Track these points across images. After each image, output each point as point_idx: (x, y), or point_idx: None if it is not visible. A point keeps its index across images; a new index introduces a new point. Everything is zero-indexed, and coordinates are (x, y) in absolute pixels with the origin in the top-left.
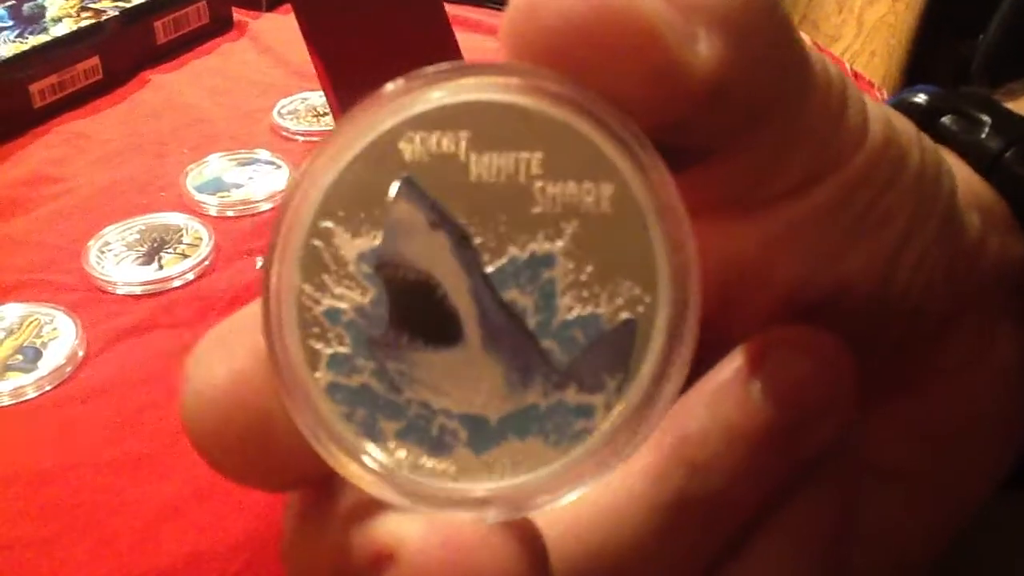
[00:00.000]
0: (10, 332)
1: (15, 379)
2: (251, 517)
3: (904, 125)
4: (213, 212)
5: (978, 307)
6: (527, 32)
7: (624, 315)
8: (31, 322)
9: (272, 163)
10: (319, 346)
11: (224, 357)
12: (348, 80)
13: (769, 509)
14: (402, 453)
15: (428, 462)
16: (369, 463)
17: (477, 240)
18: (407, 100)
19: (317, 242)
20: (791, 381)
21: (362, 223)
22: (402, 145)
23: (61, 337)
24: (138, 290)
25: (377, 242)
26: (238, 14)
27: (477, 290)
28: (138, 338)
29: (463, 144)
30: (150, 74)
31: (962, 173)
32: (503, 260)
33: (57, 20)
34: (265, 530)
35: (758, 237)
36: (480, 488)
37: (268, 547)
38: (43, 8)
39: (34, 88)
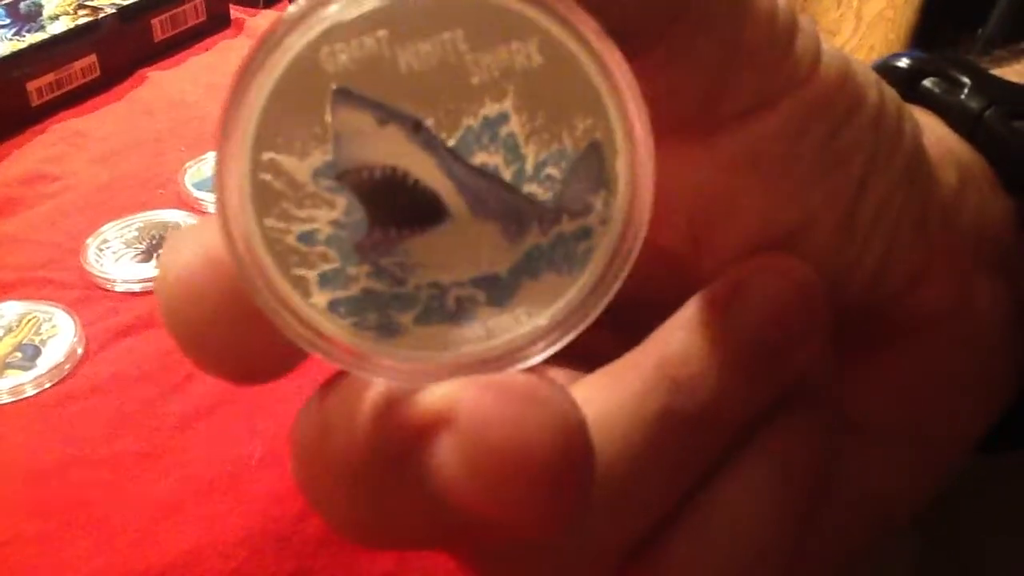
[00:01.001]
0: (9, 330)
1: (14, 377)
2: (250, 514)
3: (863, 68)
4: (211, 209)
5: (953, 261)
6: None
7: (585, 141)
8: (30, 320)
9: None
10: (304, 272)
11: (197, 241)
12: None
13: (751, 434)
14: (422, 335)
15: (455, 333)
16: (393, 359)
17: (429, 122)
18: (314, 17)
19: (265, 175)
20: (769, 303)
21: (306, 143)
22: (323, 59)
23: (60, 335)
24: (137, 287)
25: (329, 156)
26: (235, 11)
27: (446, 165)
28: (137, 335)
29: (384, 42)
30: (148, 72)
31: (940, 131)
32: (460, 131)
33: (54, 18)
34: (264, 527)
35: (718, 163)
36: (513, 336)
37: (267, 544)
38: (40, 6)
39: (32, 86)
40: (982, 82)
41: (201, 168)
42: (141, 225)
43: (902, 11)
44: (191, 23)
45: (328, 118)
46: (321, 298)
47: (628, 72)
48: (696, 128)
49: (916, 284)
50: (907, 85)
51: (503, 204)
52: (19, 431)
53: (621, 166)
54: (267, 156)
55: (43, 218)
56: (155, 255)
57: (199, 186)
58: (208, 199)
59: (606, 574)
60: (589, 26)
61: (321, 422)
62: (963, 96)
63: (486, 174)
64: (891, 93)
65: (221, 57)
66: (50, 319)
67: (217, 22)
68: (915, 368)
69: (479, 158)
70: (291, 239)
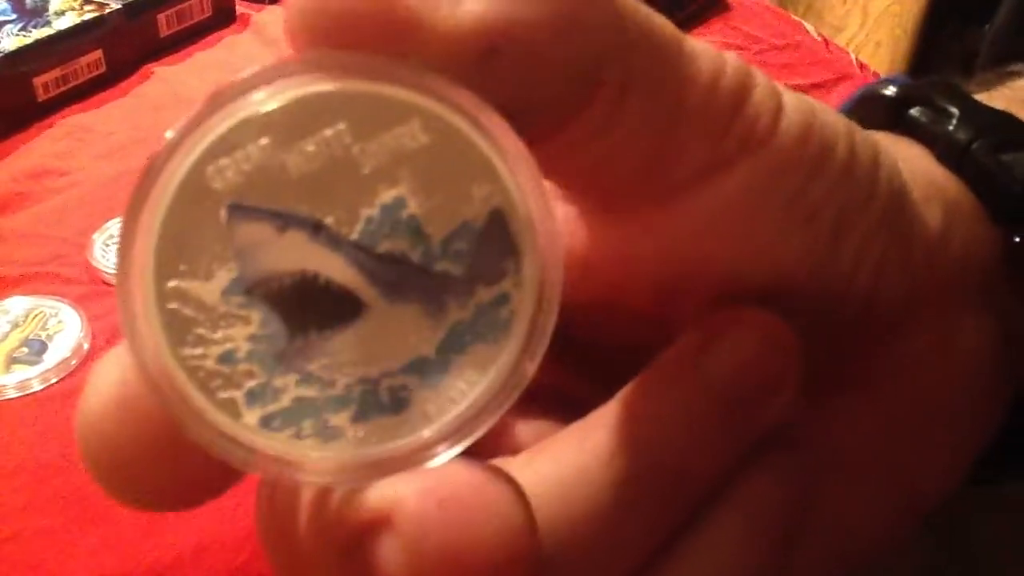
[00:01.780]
0: (16, 325)
1: (21, 372)
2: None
3: (831, 118)
4: None
5: (939, 299)
6: (299, 27)
7: (486, 210)
8: (36, 315)
9: None
10: (230, 393)
11: (113, 379)
12: None
13: (722, 487)
14: (362, 433)
15: (393, 424)
16: (334, 459)
17: (328, 220)
18: (194, 136)
19: (173, 304)
20: (739, 358)
21: (209, 265)
22: (210, 177)
23: (66, 330)
24: None
25: (235, 273)
26: (241, 6)
27: (353, 259)
28: None
29: (267, 149)
30: (153, 67)
31: (926, 164)
32: (360, 224)
33: (60, 13)
34: None
35: (677, 229)
36: (451, 417)
37: None
38: (46, 1)
39: (38, 81)
40: (969, 112)
41: None
42: None
43: (908, 6)
44: (197, 18)
45: (227, 236)
46: (252, 416)
47: (516, 137)
48: (647, 195)
49: (900, 325)
50: (894, 113)
51: (417, 287)
52: (25, 426)
53: (525, 227)
54: (171, 285)
55: (49, 213)
56: None
57: None
58: None
59: None
60: (467, 99)
61: (271, 510)
62: (950, 127)
63: (395, 260)
64: (864, 140)
65: (227, 53)
66: (56, 314)
67: (223, 17)
68: (897, 405)
69: (384, 246)
70: (211, 363)
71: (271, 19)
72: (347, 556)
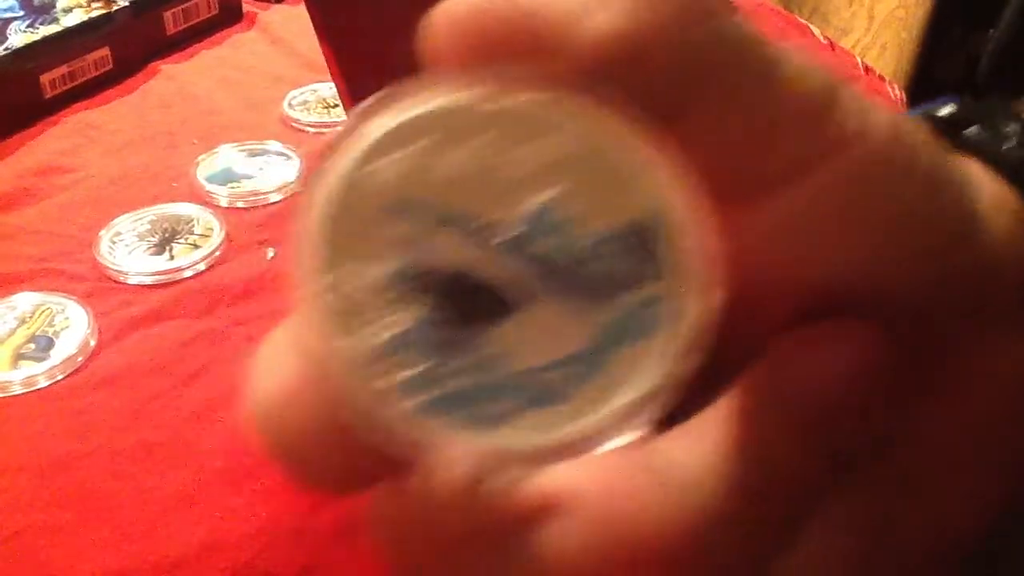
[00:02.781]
0: (23, 321)
1: (27, 368)
2: (264, 506)
3: (912, 127)
4: (224, 203)
5: (1000, 315)
6: (445, 39)
7: (634, 216)
8: (43, 311)
9: (283, 154)
10: (390, 380)
11: (283, 365)
12: (359, 71)
13: (818, 500)
14: (522, 422)
15: (552, 415)
16: (495, 446)
17: (482, 220)
18: (355, 138)
19: (335, 294)
20: (837, 368)
21: (372, 257)
22: (372, 175)
23: (73, 326)
24: (149, 280)
25: (395, 265)
26: (248, 5)
27: (506, 258)
28: (149, 328)
29: (427, 152)
30: (160, 65)
31: (988, 179)
32: (513, 225)
33: (67, 10)
34: (277, 519)
35: (772, 228)
36: (610, 409)
37: (280, 536)
38: None
39: (45, 78)
40: None
41: (213, 161)
42: (154, 218)
43: (914, 10)
44: (203, 16)
45: (387, 230)
46: (412, 403)
47: (666, 145)
48: (734, 198)
49: (967, 336)
50: (950, 134)
51: (569, 286)
52: (32, 422)
53: (674, 234)
54: (334, 275)
55: (56, 210)
56: (167, 248)
57: (211, 179)
58: (219, 192)
59: None
60: (615, 107)
61: (417, 502)
62: (1009, 146)
63: (546, 261)
64: (940, 149)
65: (233, 50)
66: (63, 311)
67: (229, 15)
68: (964, 418)
69: (537, 247)
70: (372, 350)
71: (278, 17)
72: (504, 546)
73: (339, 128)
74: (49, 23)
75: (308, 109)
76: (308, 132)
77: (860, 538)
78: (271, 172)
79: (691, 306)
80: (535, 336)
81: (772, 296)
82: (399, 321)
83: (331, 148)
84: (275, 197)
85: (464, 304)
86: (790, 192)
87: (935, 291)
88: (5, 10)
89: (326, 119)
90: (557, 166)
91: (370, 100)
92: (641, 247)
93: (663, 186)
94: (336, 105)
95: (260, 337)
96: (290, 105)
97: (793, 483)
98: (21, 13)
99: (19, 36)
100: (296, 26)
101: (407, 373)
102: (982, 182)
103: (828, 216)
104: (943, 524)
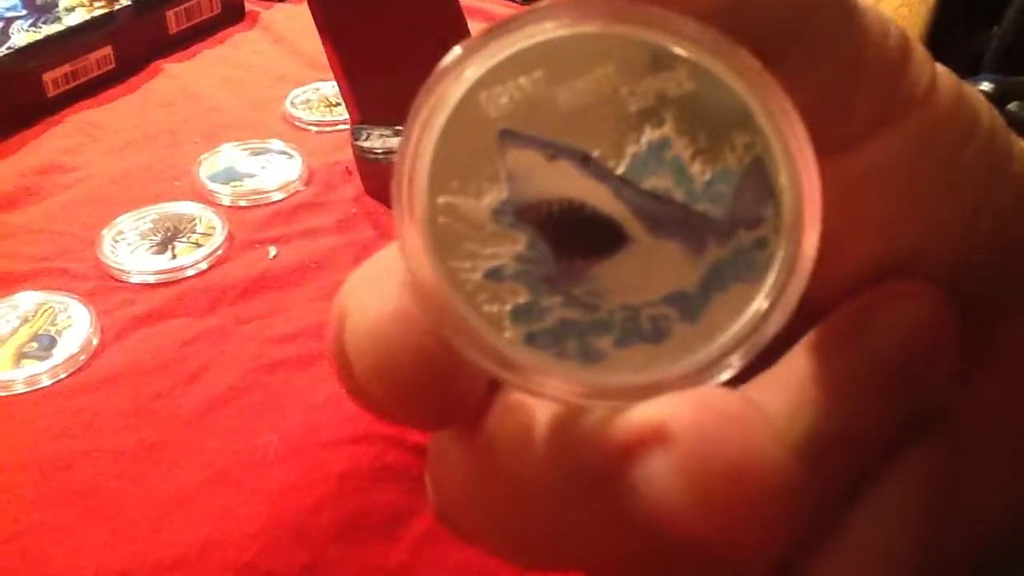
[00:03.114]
0: (25, 320)
1: (30, 367)
2: (265, 505)
3: (973, 91)
4: (226, 201)
5: None
6: None
7: (748, 157)
8: (46, 310)
9: (285, 153)
10: (496, 308)
11: (383, 292)
12: (361, 70)
13: (882, 462)
14: (624, 358)
15: (654, 352)
16: (596, 380)
17: (596, 153)
18: (468, 63)
19: (444, 219)
20: (906, 328)
21: (480, 185)
22: (484, 103)
23: (75, 325)
24: (152, 279)
25: (505, 194)
26: (250, 4)
27: (619, 192)
28: (152, 327)
29: (539, 82)
30: (163, 64)
31: None
32: (627, 159)
33: (70, 10)
34: (279, 518)
35: (839, 183)
36: (712, 349)
37: (281, 535)
38: None
39: (47, 77)
40: None
41: (216, 160)
42: (156, 217)
43: (917, 9)
44: (206, 15)
45: (498, 159)
46: (517, 332)
47: (778, 89)
48: (819, 148)
49: (1012, 311)
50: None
51: (680, 223)
52: (35, 421)
53: (784, 177)
54: (443, 200)
55: (59, 209)
56: (170, 247)
57: (214, 178)
58: (222, 190)
59: None
60: (729, 48)
61: (491, 448)
62: None
63: (659, 197)
64: (999, 117)
65: (235, 49)
66: (66, 309)
67: (232, 14)
68: (1013, 393)
69: (649, 183)
70: (478, 277)
71: (280, 16)
72: (600, 483)
73: (458, 47)
74: (52, 22)
75: (310, 108)
76: (310, 131)
77: (927, 501)
78: (273, 171)
79: (798, 251)
80: (641, 273)
81: (846, 250)
82: (508, 251)
83: (440, 72)
84: (277, 196)
85: (573, 238)
86: (867, 147)
87: (990, 259)
88: (8, 9)
89: (328, 118)
90: (670, 104)
91: (484, 29)
92: (751, 190)
93: (778, 128)
94: (338, 104)
95: (262, 336)
96: (292, 104)
97: (868, 435)
98: (24, 12)
99: (22, 35)
100: (298, 25)
101: (516, 301)
102: None
103: (897, 176)
104: (981, 507)
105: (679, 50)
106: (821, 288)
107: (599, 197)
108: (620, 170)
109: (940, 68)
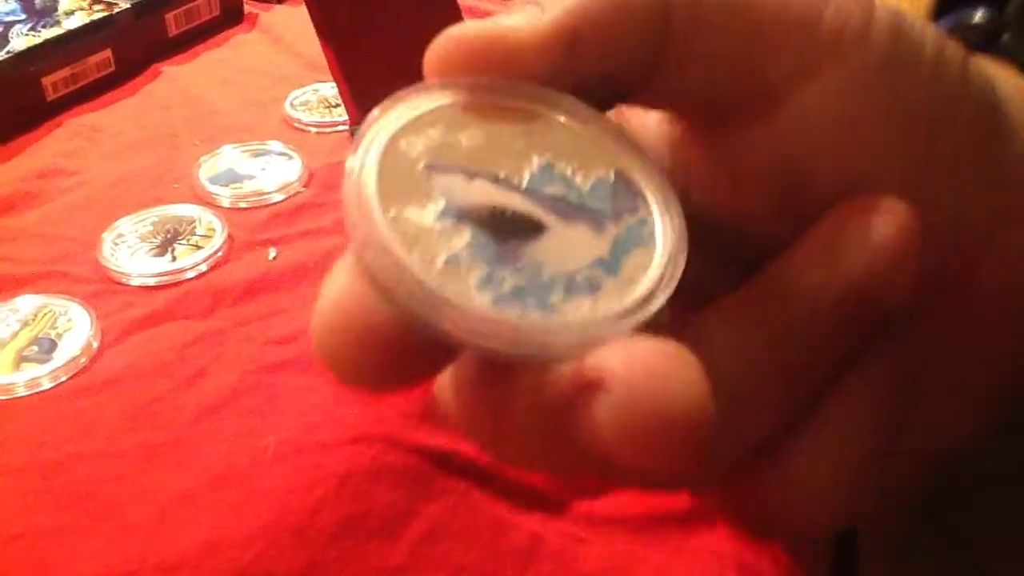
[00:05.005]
0: (25, 324)
1: (30, 370)
2: (265, 507)
3: (920, 24)
4: (226, 203)
5: (1018, 223)
6: (441, 61)
7: (613, 170)
8: (46, 314)
9: (284, 154)
10: (460, 283)
11: (342, 280)
12: (360, 71)
13: (845, 372)
14: (572, 308)
15: (594, 300)
16: (557, 328)
17: (502, 173)
18: (385, 121)
19: (398, 227)
20: (872, 241)
21: (420, 200)
22: (405, 147)
23: (76, 328)
24: (152, 281)
25: (442, 204)
26: (249, 6)
27: (529, 197)
28: (152, 329)
29: (443, 131)
30: (162, 66)
31: (1021, 85)
32: (526, 177)
33: (69, 13)
34: (278, 520)
35: (784, 135)
36: (637, 293)
37: (281, 536)
38: (55, 1)
39: (47, 81)
40: None
41: (215, 162)
42: (156, 219)
43: None
44: (205, 18)
45: (428, 183)
46: (484, 299)
47: (604, 117)
48: (745, 108)
49: (990, 241)
50: (984, 40)
51: (581, 214)
52: (35, 424)
53: (642, 176)
54: (392, 213)
55: (59, 212)
56: (169, 249)
57: (213, 180)
58: (221, 192)
59: (721, 479)
60: (568, 99)
61: (487, 379)
62: None
63: (559, 198)
64: (953, 46)
65: (235, 51)
66: (66, 313)
67: (231, 17)
68: (984, 322)
69: (548, 191)
70: (439, 265)
71: (279, 18)
72: (558, 418)
73: (373, 113)
74: (51, 26)
75: (310, 109)
76: (310, 132)
77: (886, 409)
78: (273, 172)
79: (670, 223)
80: (565, 248)
81: (795, 201)
82: (455, 244)
83: (365, 128)
84: (277, 197)
85: (506, 229)
86: (797, 97)
87: (951, 183)
88: (7, 13)
89: (327, 119)
90: (543, 143)
91: (389, 98)
92: (622, 190)
93: (624, 149)
94: (337, 105)
95: (262, 338)
96: (292, 105)
97: (832, 347)
98: (23, 16)
99: (21, 39)
100: (297, 26)
101: (477, 275)
102: (1012, 86)
103: (837, 115)
104: (939, 426)
105: (541, 109)
106: (787, 220)
107: (515, 202)
108: (523, 184)
109: (879, 5)
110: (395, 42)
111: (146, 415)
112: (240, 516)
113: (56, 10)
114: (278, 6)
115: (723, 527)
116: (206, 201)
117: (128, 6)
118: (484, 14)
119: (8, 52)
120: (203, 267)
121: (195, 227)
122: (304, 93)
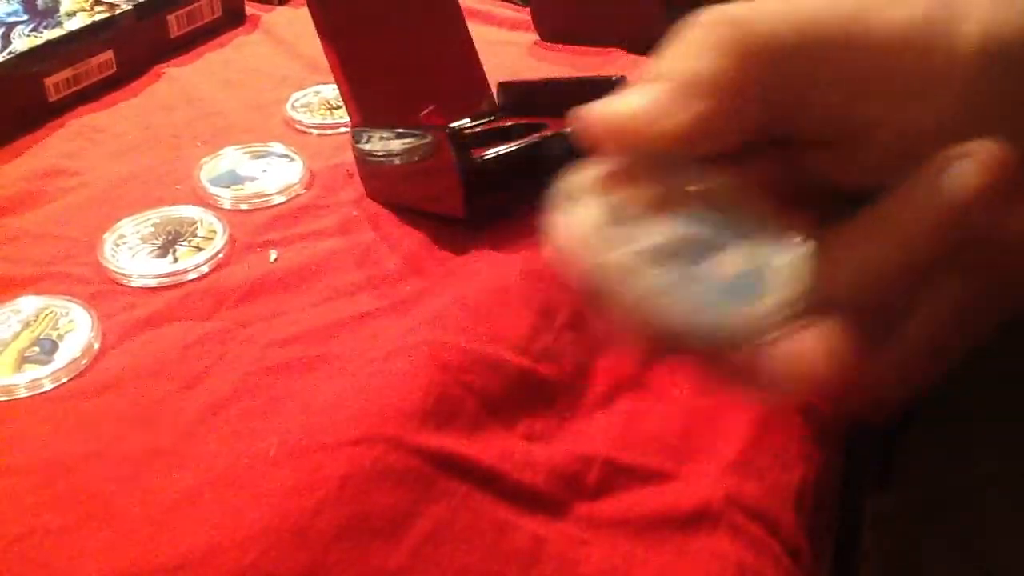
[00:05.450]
0: (27, 324)
1: (32, 371)
2: (266, 508)
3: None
4: (227, 205)
5: None
6: (593, 135)
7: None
8: (47, 314)
9: (286, 156)
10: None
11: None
12: (362, 72)
13: (922, 285)
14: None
15: (751, 300)
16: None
17: (660, 220)
18: (573, 203)
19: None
20: (981, 177)
21: (619, 246)
22: (588, 216)
23: (77, 329)
24: (153, 283)
25: (641, 244)
26: (251, 7)
27: (694, 231)
28: (153, 330)
29: (618, 207)
30: (164, 67)
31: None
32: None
33: (71, 14)
34: (280, 521)
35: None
36: (776, 298)
37: (283, 538)
38: (57, 2)
39: (49, 82)
40: None
41: (217, 164)
42: (157, 221)
43: None
44: (207, 19)
45: (618, 233)
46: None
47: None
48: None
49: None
50: None
51: (733, 244)
52: (37, 425)
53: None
54: (603, 253)
55: (60, 213)
56: (171, 250)
57: (215, 181)
58: (223, 194)
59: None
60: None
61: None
62: None
63: (714, 238)
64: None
65: (236, 53)
66: (67, 314)
67: (232, 18)
68: None
69: (706, 235)
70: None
71: (281, 20)
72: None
73: (561, 193)
74: (53, 27)
75: (311, 111)
76: (311, 134)
77: (960, 307)
78: (275, 174)
79: (784, 255)
80: (723, 265)
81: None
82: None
83: (559, 203)
84: (279, 199)
85: (680, 256)
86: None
87: None
88: (9, 14)
89: (329, 121)
90: (692, 195)
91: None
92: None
93: (748, 195)
94: (339, 107)
95: (264, 339)
96: (293, 107)
97: (944, 250)
98: (25, 17)
99: (23, 40)
100: (299, 28)
101: (664, 274)
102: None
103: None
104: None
105: (694, 186)
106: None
107: (679, 235)
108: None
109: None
110: (397, 43)
111: (148, 416)
112: (241, 517)
113: (58, 11)
114: (280, 7)
115: (724, 529)
116: (207, 203)
117: (130, 7)
118: (484, 14)
119: (10, 53)
120: (204, 268)
121: (196, 228)
122: (306, 95)
